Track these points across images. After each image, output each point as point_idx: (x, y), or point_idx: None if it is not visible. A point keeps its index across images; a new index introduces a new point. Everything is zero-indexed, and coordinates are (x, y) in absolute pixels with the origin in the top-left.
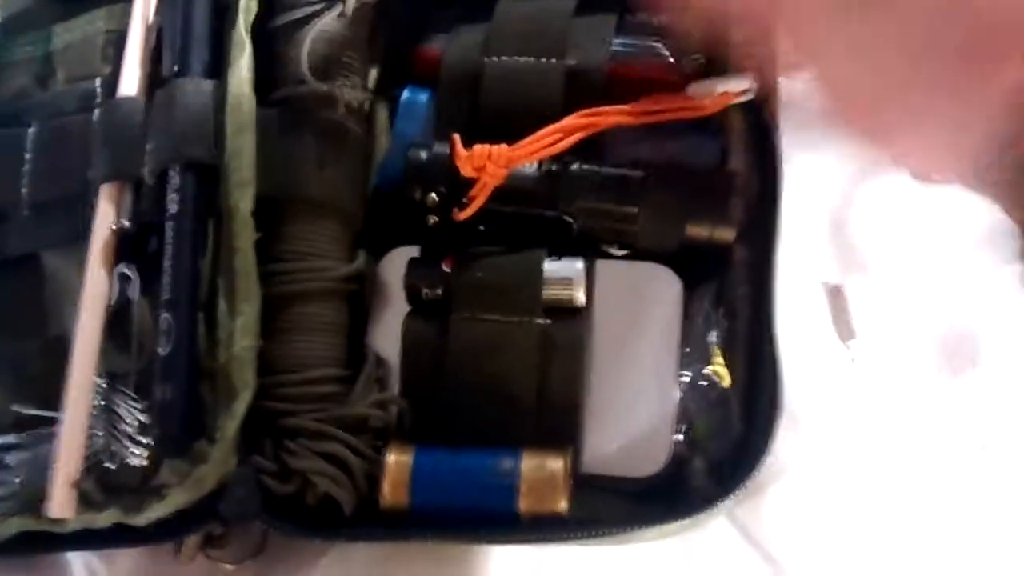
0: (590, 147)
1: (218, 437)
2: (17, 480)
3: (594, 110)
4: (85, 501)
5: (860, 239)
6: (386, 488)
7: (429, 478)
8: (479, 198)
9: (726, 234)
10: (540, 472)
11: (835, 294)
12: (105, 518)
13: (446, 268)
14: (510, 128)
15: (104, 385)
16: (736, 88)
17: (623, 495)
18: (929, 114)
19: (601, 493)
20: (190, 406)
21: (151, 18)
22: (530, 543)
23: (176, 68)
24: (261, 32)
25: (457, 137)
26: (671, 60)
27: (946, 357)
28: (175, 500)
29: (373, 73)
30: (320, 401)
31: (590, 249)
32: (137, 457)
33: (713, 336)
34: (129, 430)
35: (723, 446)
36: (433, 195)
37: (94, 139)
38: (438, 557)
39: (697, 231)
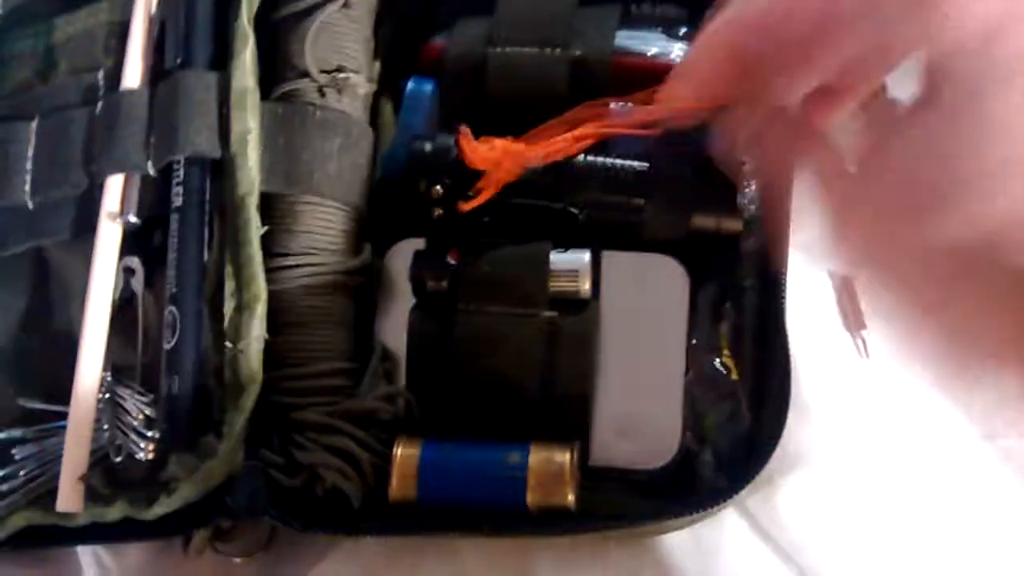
0: None
1: (225, 431)
2: (24, 474)
3: (606, 121)
4: (93, 495)
5: None
6: (394, 481)
7: (437, 471)
8: (488, 191)
9: (733, 225)
10: (548, 465)
11: (844, 284)
12: (113, 512)
13: (451, 260)
14: (515, 118)
15: (110, 379)
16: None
17: (632, 488)
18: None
19: (610, 486)
20: (197, 400)
21: (153, 9)
22: (538, 536)
23: (179, 60)
24: (265, 24)
25: (468, 131)
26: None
27: None
28: (183, 494)
29: (377, 65)
30: (327, 394)
31: (596, 241)
32: (143, 451)
33: (721, 328)
34: (135, 424)
35: (732, 438)
36: (438, 187)
37: (97, 132)
38: (446, 550)
39: (704, 222)
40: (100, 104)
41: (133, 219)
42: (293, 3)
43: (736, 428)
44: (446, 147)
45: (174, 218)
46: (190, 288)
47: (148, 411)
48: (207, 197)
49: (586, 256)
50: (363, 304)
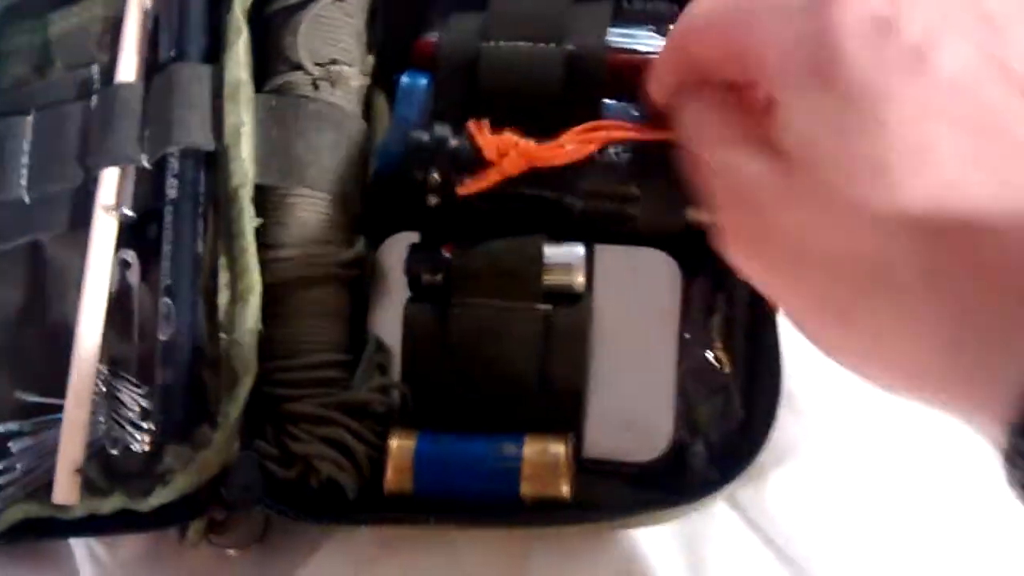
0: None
1: (220, 422)
2: (21, 467)
3: (609, 124)
4: (89, 487)
5: None
6: (390, 473)
7: (432, 463)
8: (492, 176)
9: None
10: (543, 456)
11: None
12: (110, 504)
13: (446, 254)
14: (509, 113)
15: (106, 371)
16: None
17: (624, 480)
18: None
19: (602, 478)
20: (191, 391)
21: (148, 3)
22: (532, 527)
23: (173, 53)
24: (258, 17)
25: (486, 123)
26: None
27: None
28: (178, 485)
29: (371, 59)
30: (322, 386)
31: (590, 235)
32: (139, 443)
33: (714, 322)
34: (131, 416)
35: (724, 431)
36: (435, 175)
37: (92, 126)
38: (442, 542)
39: (697, 216)
40: (95, 98)
41: (128, 212)
42: None
43: (728, 421)
44: (443, 137)
45: (168, 210)
46: (184, 280)
47: (144, 403)
48: (201, 189)
49: (580, 250)
50: (357, 297)
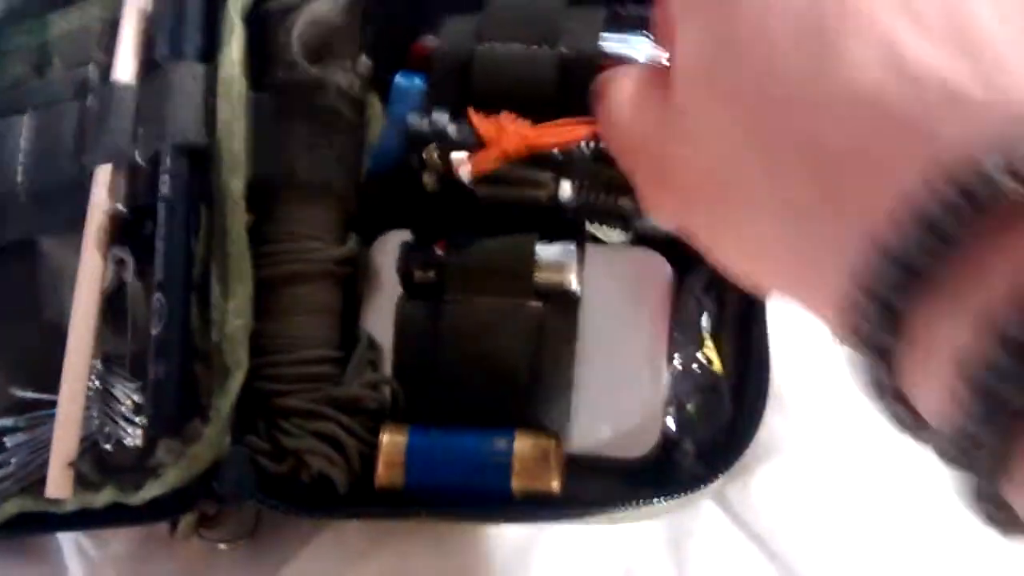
0: None
1: (212, 416)
2: (15, 462)
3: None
4: (82, 481)
5: None
6: (381, 468)
7: (423, 458)
8: (491, 154)
9: None
10: (533, 452)
11: None
12: (102, 498)
13: (439, 251)
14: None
15: (99, 367)
16: None
17: (613, 476)
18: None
19: (592, 473)
20: (183, 385)
21: (145, 3)
22: (522, 521)
23: (169, 52)
24: (254, 17)
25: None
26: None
27: None
28: (170, 479)
29: (365, 59)
30: (313, 382)
31: (581, 234)
32: (132, 437)
33: (704, 321)
34: (124, 410)
35: (713, 429)
36: (435, 153)
37: (88, 124)
38: (431, 536)
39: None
40: (91, 96)
41: (122, 209)
42: None
43: (718, 419)
44: (442, 123)
45: (161, 206)
46: (177, 275)
47: (136, 397)
48: (194, 186)
49: (572, 248)
50: (349, 295)
